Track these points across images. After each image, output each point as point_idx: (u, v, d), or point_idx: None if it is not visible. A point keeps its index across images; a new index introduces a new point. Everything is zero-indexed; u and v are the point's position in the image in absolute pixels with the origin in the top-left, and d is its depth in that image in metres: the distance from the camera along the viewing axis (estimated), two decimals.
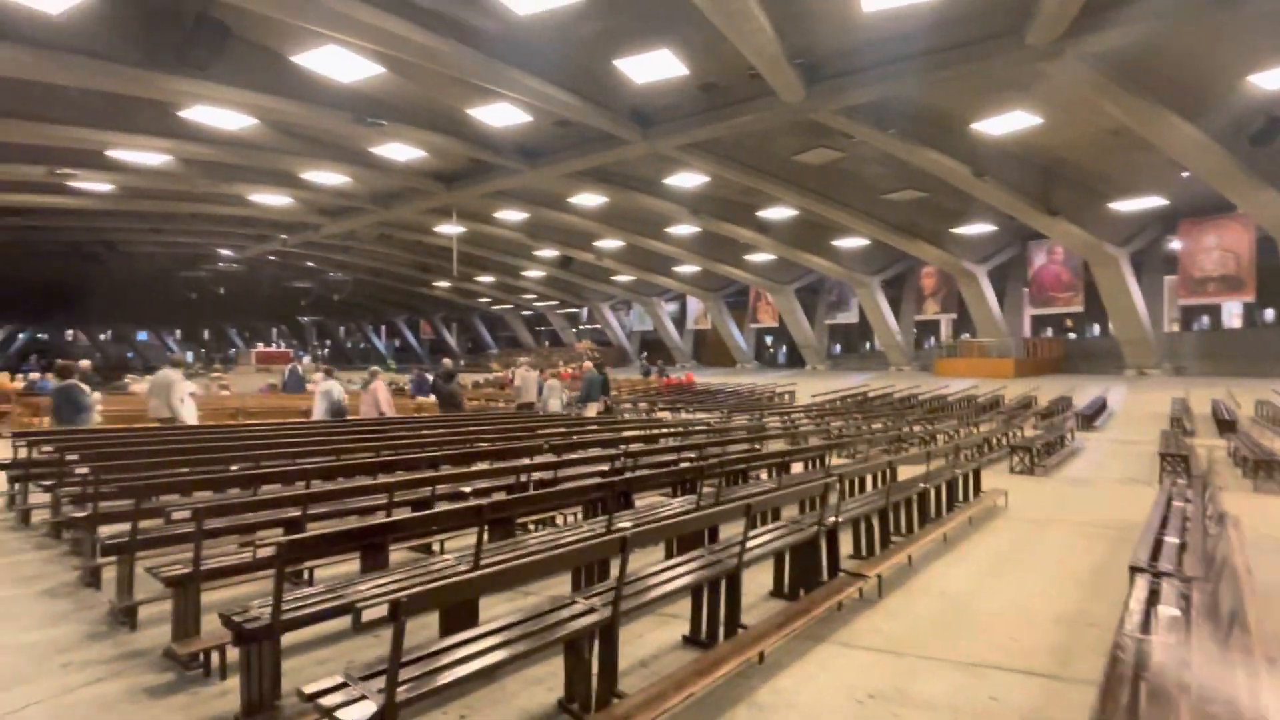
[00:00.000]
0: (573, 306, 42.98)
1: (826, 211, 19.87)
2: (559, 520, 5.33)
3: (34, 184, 17.32)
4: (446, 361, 14.48)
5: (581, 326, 45.33)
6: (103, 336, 56.94)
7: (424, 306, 47.90)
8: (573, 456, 6.32)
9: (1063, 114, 13.45)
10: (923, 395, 16.33)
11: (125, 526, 3.70)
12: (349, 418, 9.68)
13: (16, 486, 6.13)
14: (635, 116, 14.36)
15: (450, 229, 23.29)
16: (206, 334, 58.78)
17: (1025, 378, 21.86)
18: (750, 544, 3.60)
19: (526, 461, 5.64)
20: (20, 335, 52.46)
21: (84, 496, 4.72)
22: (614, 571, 3.34)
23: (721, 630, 3.44)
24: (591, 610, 2.80)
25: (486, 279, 35.78)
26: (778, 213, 21.45)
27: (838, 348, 35.88)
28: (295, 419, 10.21)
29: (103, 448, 5.97)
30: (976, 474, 6.77)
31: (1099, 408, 14.41)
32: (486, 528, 3.49)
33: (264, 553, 3.57)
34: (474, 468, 5.97)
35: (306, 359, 32.40)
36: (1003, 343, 24.60)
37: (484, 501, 3.72)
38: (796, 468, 6.96)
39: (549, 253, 29.33)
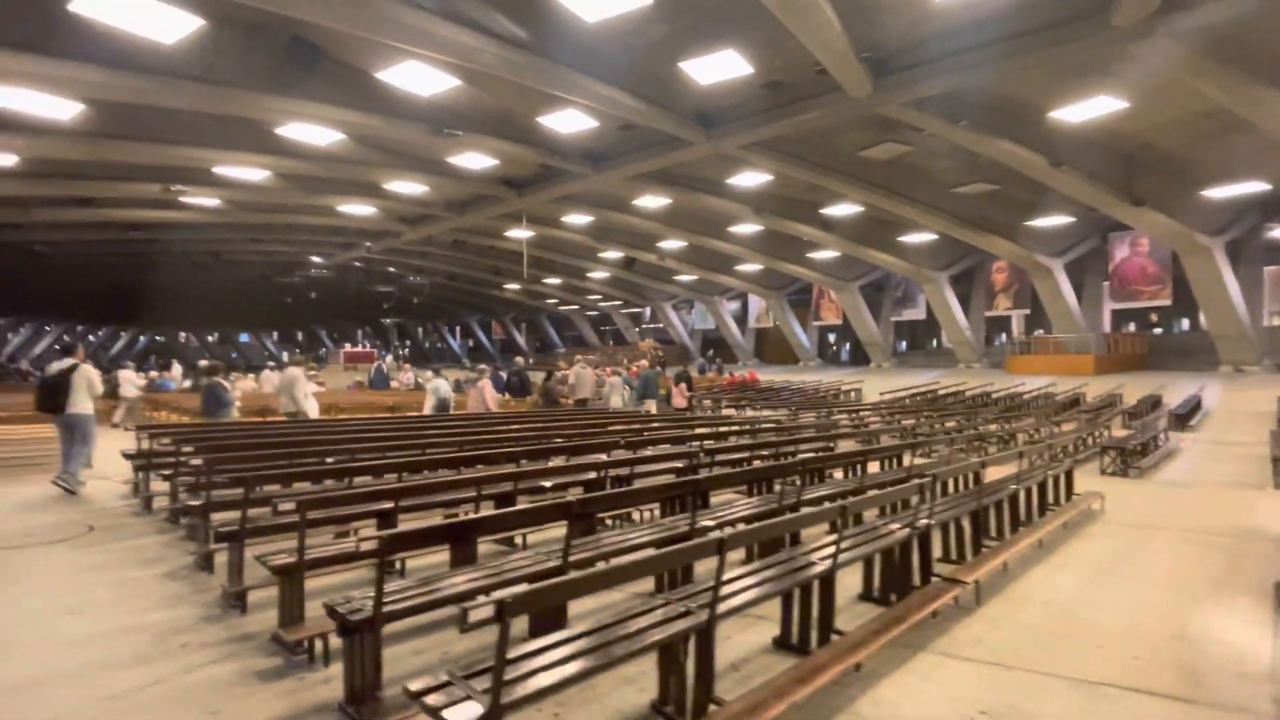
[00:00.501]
0: (636, 306, 43.51)
1: (893, 207, 19.51)
2: (634, 516, 5.54)
3: (152, 200, 19.06)
4: (519, 360, 15.13)
5: (644, 325, 45.80)
6: (210, 338, 61.69)
7: (495, 308, 49.51)
8: (646, 453, 6.53)
9: (1150, 97, 12.82)
10: (996, 393, 15.84)
11: (236, 514, 3.99)
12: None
13: (140, 475, 6.77)
14: (699, 118, 14.58)
15: (520, 233, 24.10)
16: (300, 335, 62.74)
17: (1106, 375, 20.79)
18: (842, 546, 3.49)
19: (604, 458, 5.88)
20: (141, 338, 57.58)
21: (197, 486, 5.18)
22: (697, 571, 3.47)
23: (814, 634, 3.35)
24: (687, 613, 2.71)
25: (554, 281, 36.70)
26: (842, 209, 21.16)
27: (903, 345, 34.97)
28: (382, 414, 10.98)
29: (214, 440, 6.56)
30: (1069, 476, 6.53)
31: (1193, 406, 13.64)
32: (569, 524, 3.60)
33: (364, 544, 3.73)
34: (551, 463, 6.25)
35: (389, 358, 34.08)
36: (1081, 338, 23.45)
37: (572, 499, 3.82)
38: (871, 467, 6.92)
39: (613, 254, 29.86)
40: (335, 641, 3.08)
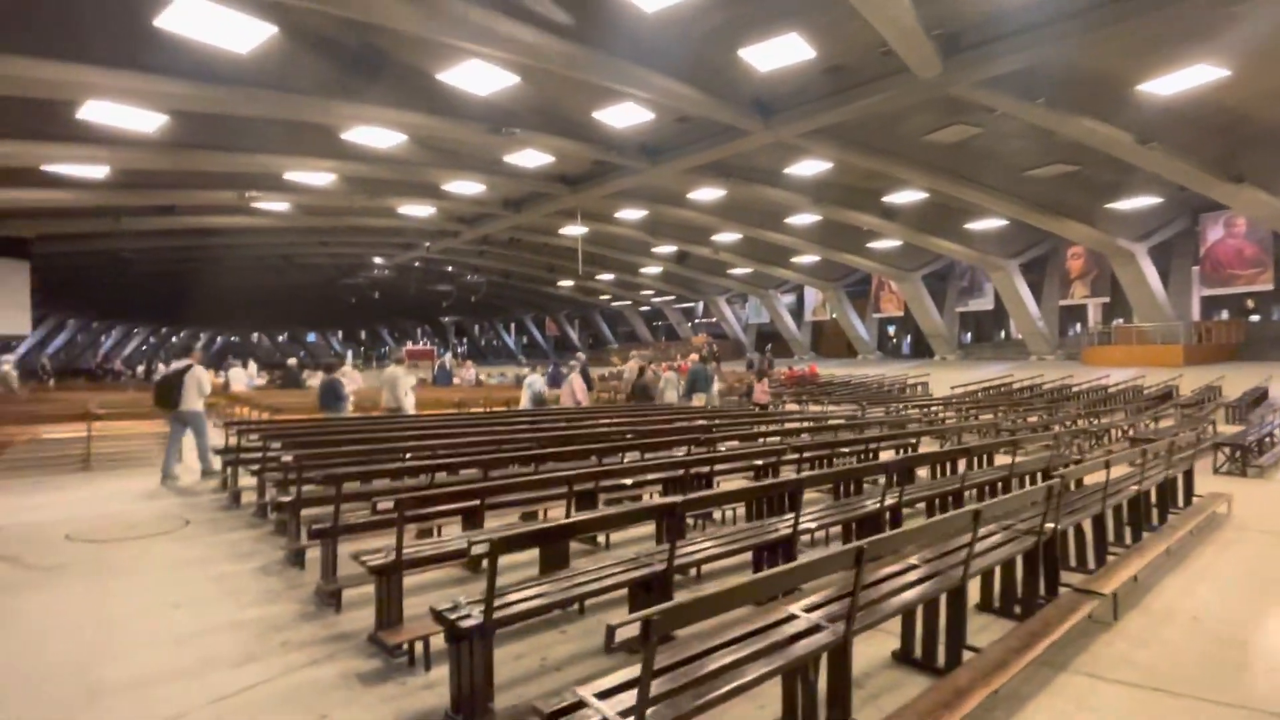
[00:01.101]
0: (689, 301, 43.27)
1: (960, 192, 18.70)
2: (716, 515, 5.42)
3: (227, 207, 19.97)
4: (580, 356, 15.22)
5: (697, 320, 45.51)
6: (280, 338, 64.73)
7: (549, 305, 50.09)
8: (722, 450, 6.36)
9: (1255, 63, 11.78)
10: (1077, 386, 14.96)
11: (323, 509, 4.09)
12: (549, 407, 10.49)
13: (228, 470, 7.01)
14: (757, 106, 14.27)
15: (575, 230, 24.21)
16: (363, 334, 65.18)
17: (1197, 365, 19.41)
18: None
19: (683, 454, 5.74)
20: (218, 338, 60.94)
21: (287, 482, 5.27)
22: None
23: (942, 649, 3.08)
24: (818, 628, 2.48)
25: (607, 277, 36.82)
26: (905, 196, 20.43)
27: (968, 337, 33.67)
28: (448, 410, 11.19)
29: (299, 436, 6.73)
30: (1188, 476, 6.05)
31: None
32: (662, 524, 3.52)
33: (449, 540, 3.75)
34: (628, 459, 6.14)
35: (448, 355, 34.91)
36: (1168, 327, 21.97)
37: (674, 499, 3.67)
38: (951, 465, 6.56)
39: (666, 249, 29.71)
40: (435, 642, 3.04)
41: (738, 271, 33.85)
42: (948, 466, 6.15)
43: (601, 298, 45.41)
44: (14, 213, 18.42)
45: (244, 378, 17.24)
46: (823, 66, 12.53)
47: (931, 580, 3.09)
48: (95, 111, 10.96)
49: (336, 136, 14.42)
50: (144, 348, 58.14)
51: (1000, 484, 5.57)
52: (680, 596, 2.97)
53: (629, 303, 46.04)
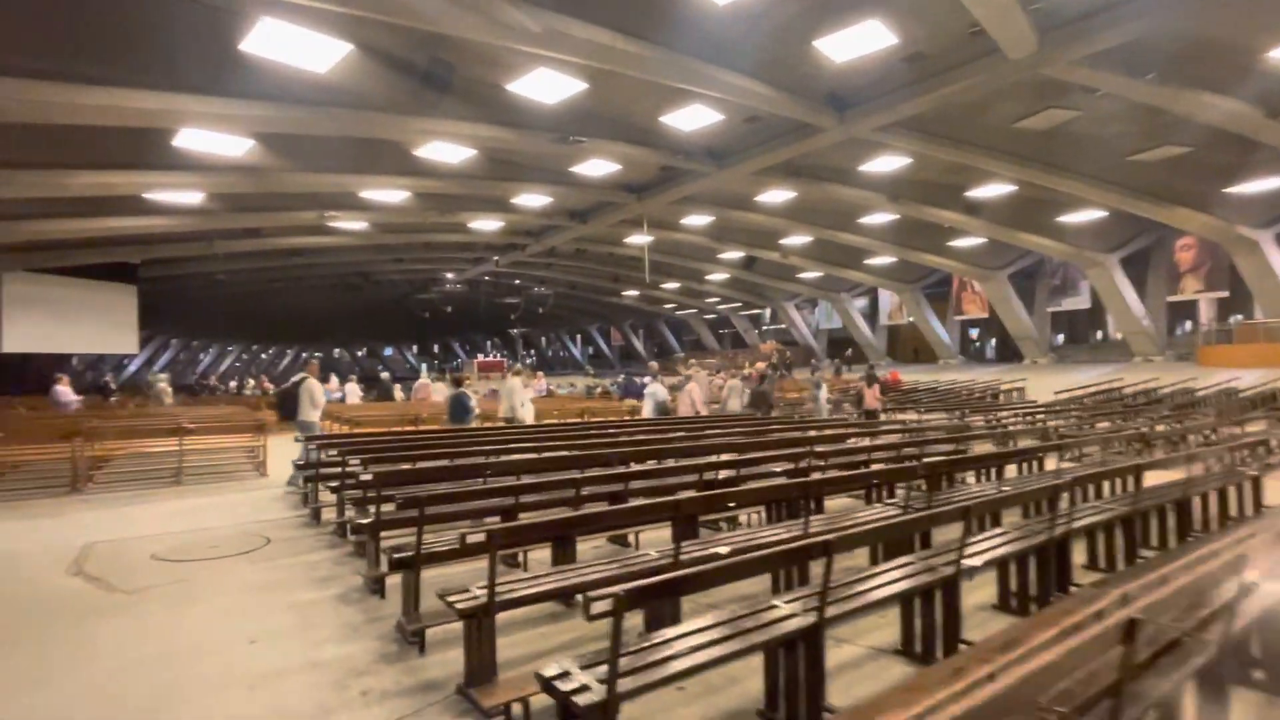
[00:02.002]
0: (756, 307, 42.45)
1: (1053, 183, 17.40)
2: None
3: (309, 227, 20.85)
4: (654, 365, 15.00)
5: (765, 327, 44.57)
6: (359, 353, 67.77)
7: (614, 315, 50.28)
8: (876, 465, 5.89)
9: None
10: (1201, 389, 13.50)
11: (408, 532, 3.81)
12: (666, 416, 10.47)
13: (308, 486, 7.02)
14: (831, 101, 13.68)
15: (640, 238, 24.06)
16: (436, 348, 67.40)
17: None
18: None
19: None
20: (302, 354, 64.36)
21: (364, 501, 5.05)
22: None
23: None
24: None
25: (672, 285, 36.56)
26: (990, 191, 19.18)
27: (1059, 339, 31.46)
28: (552, 421, 11.17)
29: (380, 450, 6.60)
30: (1256, 484, 5.53)
31: None
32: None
33: (546, 576, 3.40)
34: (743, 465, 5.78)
35: (517, 366, 35.50)
36: None
37: (828, 536, 3.27)
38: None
39: (733, 254, 29.19)
40: (538, 699, 2.63)
41: (807, 275, 32.91)
42: (1089, 490, 5.45)
43: (666, 306, 45.18)
44: (122, 240, 19.80)
45: (358, 392, 18.30)
46: (902, 54, 11.84)
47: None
48: (189, 139, 11.54)
49: (409, 154, 14.73)
50: (237, 364, 61.95)
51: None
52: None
53: (694, 311, 45.61)
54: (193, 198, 15.47)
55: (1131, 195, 17.96)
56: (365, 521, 4.57)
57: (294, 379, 8.84)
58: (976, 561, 3.42)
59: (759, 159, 16.47)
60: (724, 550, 3.55)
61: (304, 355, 64.07)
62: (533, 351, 61.50)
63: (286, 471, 8.21)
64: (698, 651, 2.57)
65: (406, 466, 5.70)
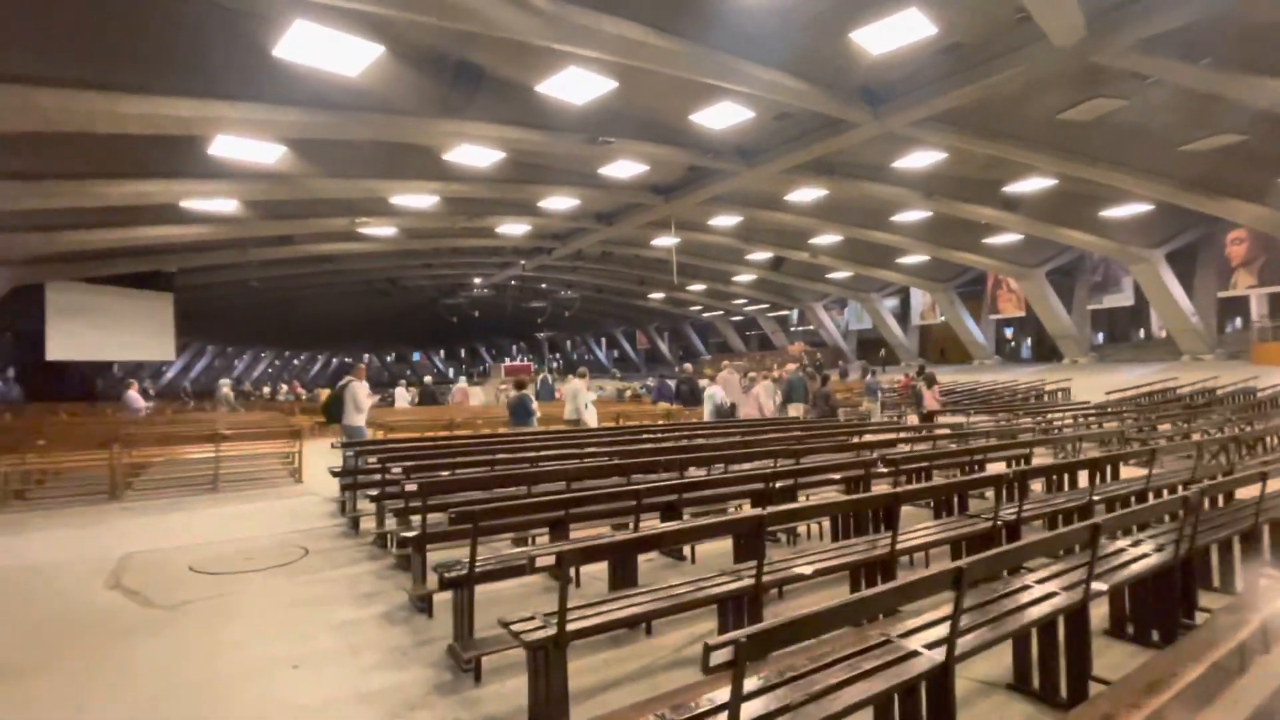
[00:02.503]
0: (783, 308, 41.97)
1: (1097, 176, 16.80)
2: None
3: (340, 234, 21.05)
4: (688, 366, 14.84)
5: (793, 329, 44.03)
6: (388, 358, 68.68)
7: (640, 318, 50.16)
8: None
9: None
10: (1264, 389, 12.83)
11: (457, 546, 3.63)
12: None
13: (346, 494, 6.75)
14: (865, 95, 13.34)
15: (667, 240, 23.87)
16: (462, 352, 68.01)
17: None
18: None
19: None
20: (334, 360, 65.43)
21: (407, 511, 4.77)
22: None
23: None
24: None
25: (698, 287, 36.29)
26: (1029, 185, 18.63)
27: (1099, 337, 30.51)
28: (559, 424, 10.97)
29: (421, 457, 6.33)
30: None
31: None
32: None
33: (616, 601, 3.17)
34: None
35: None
36: None
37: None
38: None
39: (761, 255, 28.87)
40: None
41: (837, 275, 32.40)
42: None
43: (692, 309, 44.90)
44: (160, 249, 20.19)
45: (406, 397, 18.68)
46: (941, 45, 11.48)
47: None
48: (223, 147, 11.64)
49: (438, 158, 14.72)
50: (270, 370, 63.12)
51: None
52: None
53: (720, 313, 45.26)
54: (227, 206, 15.66)
55: (1181, 187, 17.27)
56: (410, 535, 4.30)
57: (340, 382, 8.80)
58: (1102, 585, 3.05)
59: (790, 156, 16.16)
60: (806, 570, 3.30)
61: (334, 361, 65.09)
62: (558, 355, 61.65)
63: (322, 478, 8.10)
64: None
65: (447, 474, 5.46)
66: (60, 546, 6.24)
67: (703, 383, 12.54)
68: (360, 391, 8.63)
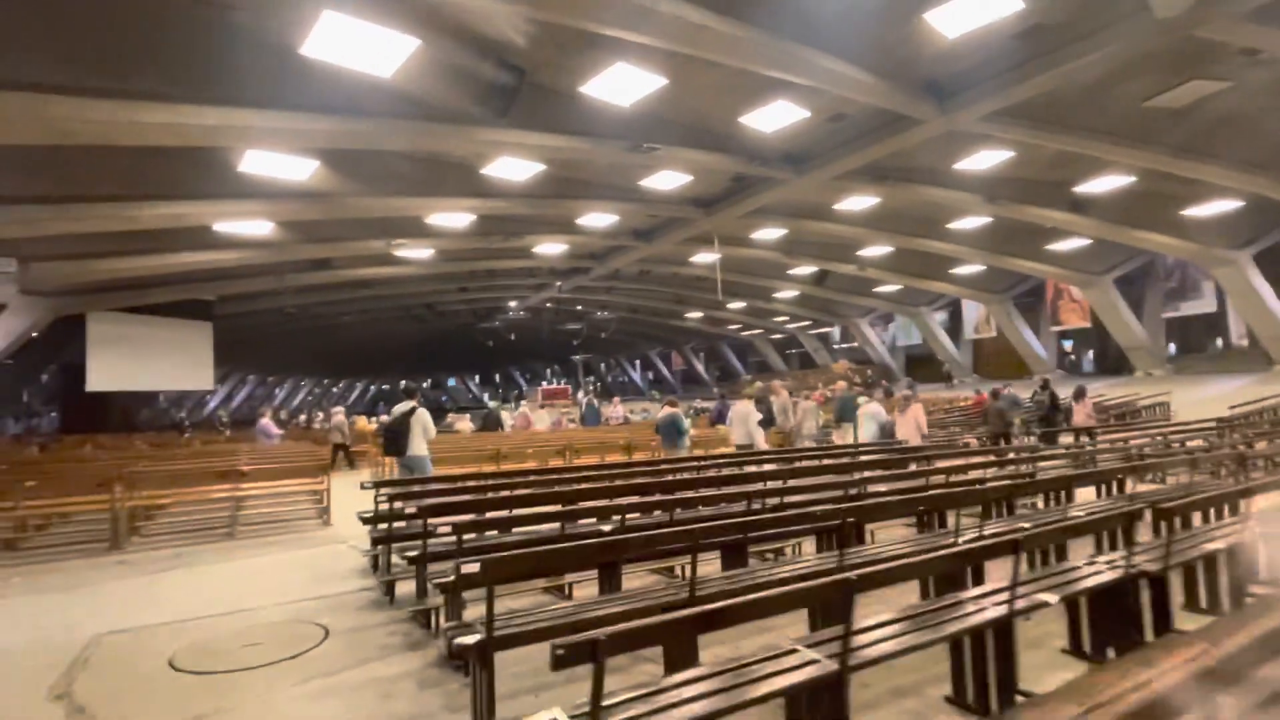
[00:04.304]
0: (825, 325, 40.63)
1: (1185, 170, 15.40)
2: None
3: (377, 257, 20.69)
4: (759, 384, 13.89)
5: (835, 346, 42.59)
6: (424, 384, 69.02)
7: (676, 338, 49.28)
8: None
9: None
10: None
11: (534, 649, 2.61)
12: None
13: (380, 549, 5.49)
14: (930, 89, 12.37)
15: (709, 256, 23.08)
16: (497, 377, 67.92)
17: None
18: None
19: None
20: (371, 387, 65.94)
21: (455, 587, 3.60)
22: None
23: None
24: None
25: (737, 305, 35.30)
26: (1103, 184, 17.29)
27: (1171, 348, 28.53)
28: (619, 455, 9.95)
29: (477, 508, 5.16)
30: None
31: None
32: None
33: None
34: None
35: (581, 393, 34.70)
36: None
37: None
38: None
39: (804, 270, 27.82)
40: None
41: (885, 289, 31.08)
42: None
43: (730, 327, 43.83)
44: (196, 276, 20.03)
45: (469, 425, 17.89)
46: (1020, 27, 10.47)
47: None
48: (254, 163, 11.17)
49: (475, 172, 14.15)
50: (309, 398, 63.72)
51: None
52: None
53: (760, 331, 44.06)
54: (262, 228, 15.30)
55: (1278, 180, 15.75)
56: (466, 639, 3.05)
57: (401, 408, 7.82)
58: None
59: (843, 161, 15.20)
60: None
61: (372, 388, 65.45)
62: (593, 378, 61.03)
63: (353, 520, 6.77)
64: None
65: (520, 535, 4.23)
66: (24, 621, 5.14)
67: (860, 400, 11.34)
68: (429, 418, 7.91)
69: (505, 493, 5.66)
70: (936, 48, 10.68)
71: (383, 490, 5.82)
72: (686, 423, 9.42)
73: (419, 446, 7.66)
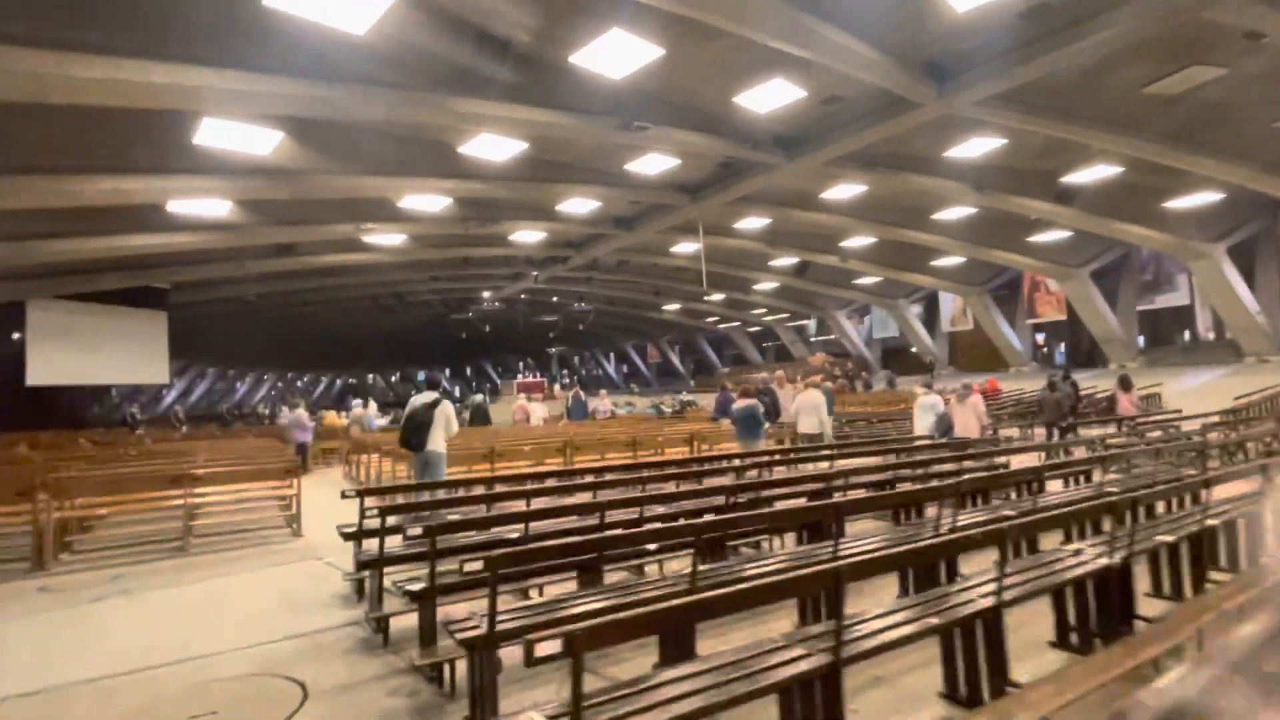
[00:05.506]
0: (803, 318, 40.53)
1: (1174, 160, 15.33)
2: None
3: (344, 242, 19.64)
4: (761, 376, 13.33)
5: (812, 339, 42.52)
6: (393, 378, 67.19)
7: (652, 331, 48.75)
8: None
9: None
10: None
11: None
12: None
13: (368, 574, 4.45)
14: (931, 71, 11.97)
15: (692, 246, 22.57)
16: (468, 370, 66.48)
17: None
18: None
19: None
20: (337, 380, 64.01)
21: (488, 644, 2.78)
22: None
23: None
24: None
25: (716, 297, 34.90)
26: (1090, 174, 17.20)
27: (1141, 340, 29.04)
28: (624, 451, 9.21)
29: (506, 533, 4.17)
30: None
31: None
32: None
33: None
34: None
35: (558, 386, 33.89)
36: None
37: None
38: None
39: (784, 261, 27.50)
40: None
41: (864, 281, 30.96)
42: None
43: (708, 320, 43.46)
44: (148, 261, 18.73)
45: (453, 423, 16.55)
46: (1021, 9, 10.12)
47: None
48: (211, 134, 10.18)
49: (453, 151, 13.35)
50: (273, 392, 61.55)
51: None
52: None
53: (737, 324, 43.78)
54: (220, 208, 14.20)
55: (1264, 170, 15.81)
56: None
57: (424, 399, 7.12)
58: None
59: (836, 146, 14.77)
60: None
61: (338, 382, 63.50)
62: (567, 371, 60.14)
63: (327, 528, 5.73)
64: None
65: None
66: None
67: (916, 391, 10.93)
68: (452, 410, 7.24)
69: (542, 506, 4.64)
70: (944, 23, 10.28)
71: (370, 501, 4.79)
72: (763, 415, 8.90)
73: (439, 442, 7.09)
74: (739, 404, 8.65)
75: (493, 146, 12.80)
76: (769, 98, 12.19)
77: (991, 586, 3.05)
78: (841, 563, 2.67)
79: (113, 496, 6.20)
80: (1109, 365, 26.25)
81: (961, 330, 33.48)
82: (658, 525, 4.01)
